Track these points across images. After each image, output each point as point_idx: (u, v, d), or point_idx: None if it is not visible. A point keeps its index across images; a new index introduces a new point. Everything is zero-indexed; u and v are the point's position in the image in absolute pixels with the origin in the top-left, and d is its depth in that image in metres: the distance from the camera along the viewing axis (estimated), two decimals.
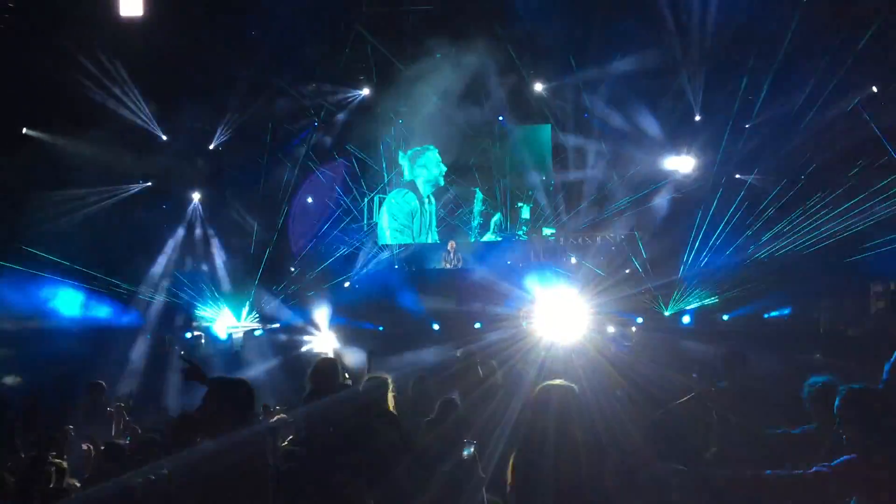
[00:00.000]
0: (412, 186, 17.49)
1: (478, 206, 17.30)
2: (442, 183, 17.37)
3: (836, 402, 3.62)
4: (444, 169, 17.32)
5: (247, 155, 16.25)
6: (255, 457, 4.15)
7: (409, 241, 17.29)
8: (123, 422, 8.00)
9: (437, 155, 17.33)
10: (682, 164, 15.55)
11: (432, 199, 17.46)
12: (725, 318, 14.79)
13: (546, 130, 16.99)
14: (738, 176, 14.56)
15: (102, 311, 14.61)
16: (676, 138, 15.51)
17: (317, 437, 5.00)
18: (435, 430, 6.02)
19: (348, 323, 14.97)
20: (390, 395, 5.95)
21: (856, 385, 3.64)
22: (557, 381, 4.00)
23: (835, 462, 3.51)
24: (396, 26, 14.99)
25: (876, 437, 3.45)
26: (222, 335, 15.38)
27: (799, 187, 13.59)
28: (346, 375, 6.52)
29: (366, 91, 16.40)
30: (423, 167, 17.41)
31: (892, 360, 4.04)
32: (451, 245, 16.78)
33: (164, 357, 14.19)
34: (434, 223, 17.36)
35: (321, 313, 14.99)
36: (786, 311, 14.40)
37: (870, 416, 3.51)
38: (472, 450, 5.10)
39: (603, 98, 15.35)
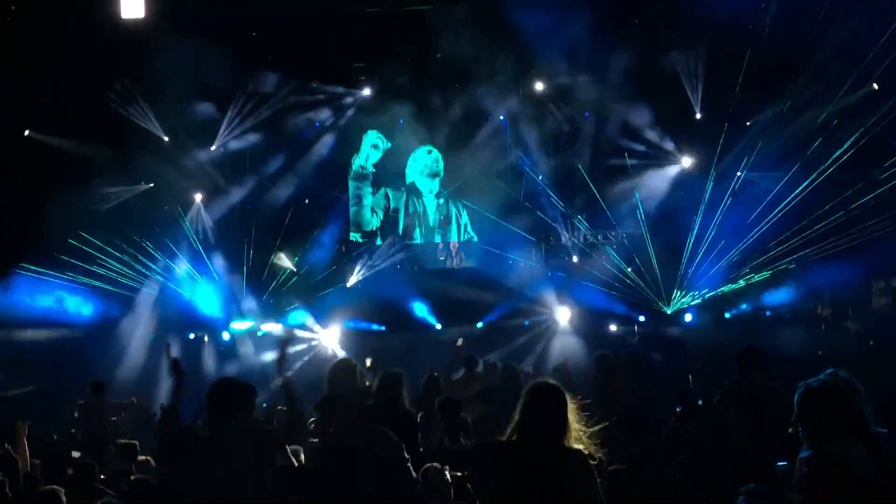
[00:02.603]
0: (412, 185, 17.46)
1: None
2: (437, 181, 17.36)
3: (795, 399, 3.47)
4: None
5: (250, 155, 16.26)
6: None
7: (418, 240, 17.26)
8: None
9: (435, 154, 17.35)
10: (684, 161, 15.53)
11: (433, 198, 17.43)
12: (727, 315, 14.83)
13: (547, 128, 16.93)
14: (739, 174, 14.54)
15: (104, 311, 14.65)
16: (677, 136, 15.50)
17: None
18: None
19: (353, 324, 15.03)
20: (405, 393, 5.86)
21: (813, 381, 3.47)
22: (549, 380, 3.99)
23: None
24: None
25: (827, 436, 3.30)
26: (224, 336, 15.40)
27: (801, 183, 13.57)
28: (366, 379, 6.39)
29: (367, 91, 16.36)
30: (424, 165, 17.40)
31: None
32: (452, 245, 16.77)
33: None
34: (436, 222, 17.34)
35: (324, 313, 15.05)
36: (788, 307, 14.45)
37: (823, 413, 3.35)
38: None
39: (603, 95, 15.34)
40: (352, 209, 17.27)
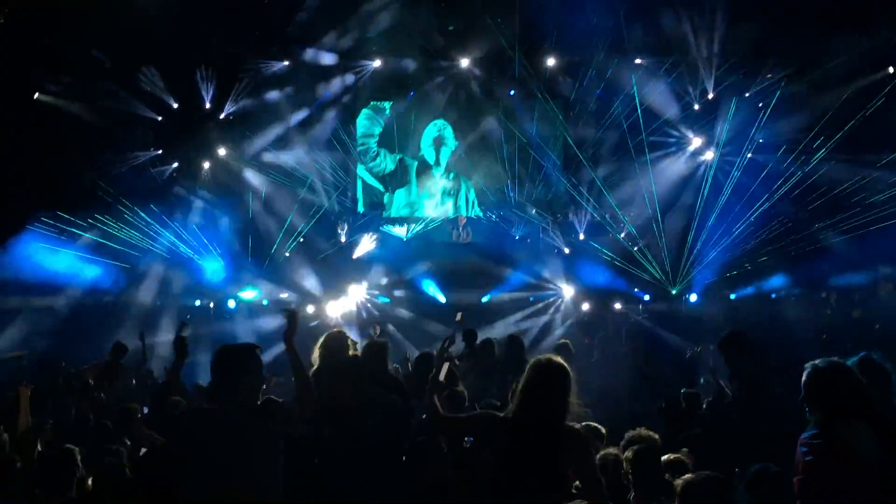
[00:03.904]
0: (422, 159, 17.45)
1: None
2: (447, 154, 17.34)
3: (803, 379, 3.47)
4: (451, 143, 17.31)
5: (259, 122, 16.21)
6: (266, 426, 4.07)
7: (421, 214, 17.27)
8: None
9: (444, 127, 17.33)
10: (694, 142, 15.45)
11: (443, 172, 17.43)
12: (732, 297, 14.80)
13: (559, 107, 16.83)
14: (749, 156, 14.46)
15: (110, 276, 14.69)
16: (689, 118, 15.40)
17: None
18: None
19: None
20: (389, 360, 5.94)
21: (820, 361, 3.47)
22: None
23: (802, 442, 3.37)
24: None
25: (833, 417, 3.31)
26: (230, 304, 15.44)
27: (810, 167, 13.48)
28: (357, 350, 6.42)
29: (377, 63, 16.27)
30: (433, 139, 17.38)
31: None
32: (461, 220, 16.75)
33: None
34: (444, 195, 17.34)
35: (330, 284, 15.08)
36: (794, 292, 14.41)
37: (829, 394, 3.36)
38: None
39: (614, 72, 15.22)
40: (359, 181, 17.29)
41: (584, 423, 4.13)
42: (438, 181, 17.33)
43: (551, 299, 15.22)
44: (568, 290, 15.03)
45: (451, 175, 17.31)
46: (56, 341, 12.64)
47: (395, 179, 17.41)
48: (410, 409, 5.27)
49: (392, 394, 5.13)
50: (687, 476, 3.91)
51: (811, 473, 3.29)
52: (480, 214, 17.10)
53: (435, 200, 17.28)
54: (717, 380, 6.27)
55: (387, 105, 17.23)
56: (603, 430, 4.94)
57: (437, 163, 17.36)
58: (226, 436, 3.91)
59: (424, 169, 17.37)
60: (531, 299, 15.32)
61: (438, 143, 17.34)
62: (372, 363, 5.50)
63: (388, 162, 17.34)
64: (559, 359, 3.93)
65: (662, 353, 11.03)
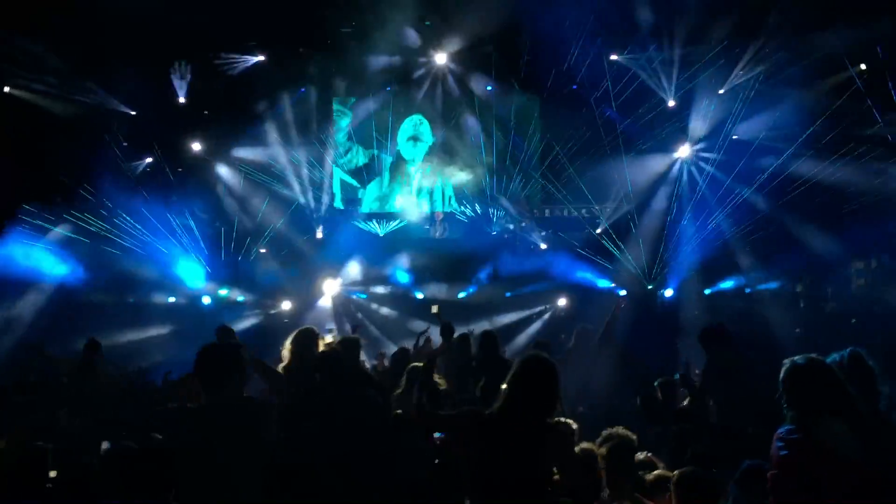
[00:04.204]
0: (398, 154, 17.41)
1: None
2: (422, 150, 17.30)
3: (781, 375, 3.48)
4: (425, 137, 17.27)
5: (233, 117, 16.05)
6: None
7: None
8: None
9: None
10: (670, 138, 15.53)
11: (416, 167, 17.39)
12: (707, 292, 14.90)
13: (535, 104, 16.85)
14: (723, 153, 14.54)
15: (83, 273, 14.48)
16: (665, 113, 15.47)
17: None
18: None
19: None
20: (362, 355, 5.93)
21: (799, 358, 3.47)
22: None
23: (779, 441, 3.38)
24: None
25: (810, 413, 3.33)
26: (205, 300, 15.29)
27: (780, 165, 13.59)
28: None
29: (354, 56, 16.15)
30: (411, 133, 17.35)
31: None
32: (437, 215, 16.72)
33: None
34: (420, 190, 17.31)
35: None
36: (771, 286, 14.53)
37: (807, 391, 3.37)
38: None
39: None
40: (336, 177, 17.19)
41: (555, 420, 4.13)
42: (414, 176, 17.28)
43: (528, 295, 15.22)
44: (545, 286, 15.03)
45: (428, 170, 17.27)
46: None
47: (369, 174, 17.33)
48: (388, 404, 5.26)
49: (366, 388, 5.11)
50: (683, 469, 3.92)
51: (784, 469, 3.31)
52: (458, 209, 17.07)
53: (411, 195, 17.23)
54: (688, 375, 6.31)
55: (351, 100, 17.13)
56: (574, 426, 4.94)
57: (414, 158, 17.32)
58: (214, 435, 3.91)
59: (401, 164, 17.31)
60: (507, 295, 15.32)
61: (415, 138, 17.30)
62: (344, 358, 5.47)
63: (360, 157, 17.25)
64: (546, 355, 3.92)
65: (640, 347, 11.05)
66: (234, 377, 4.09)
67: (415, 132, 17.29)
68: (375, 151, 17.20)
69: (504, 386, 3.83)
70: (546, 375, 3.77)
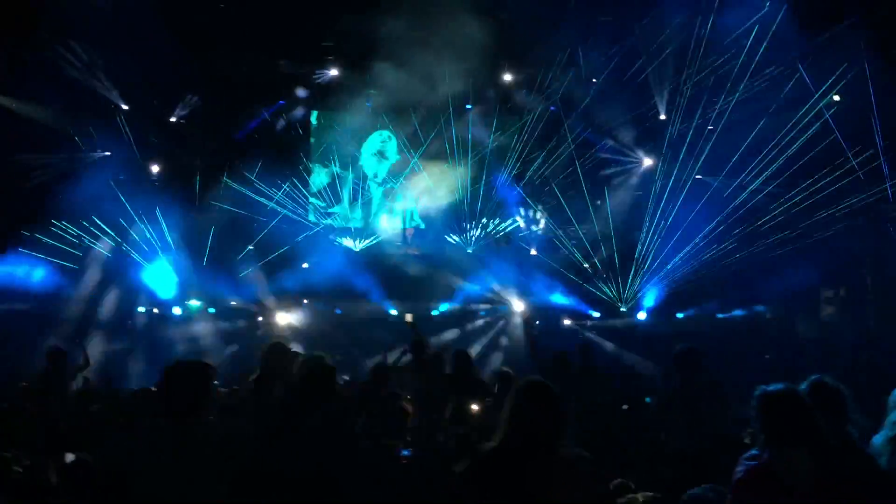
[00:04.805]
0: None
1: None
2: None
3: (752, 402, 3.45)
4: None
5: (210, 128, 15.96)
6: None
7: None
8: None
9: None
10: (645, 162, 15.65)
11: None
12: (679, 315, 15.02)
13: (513, 122, 16.88)
14: (699, 177, 14.66)
15: (51, 283, 14.27)
16: (640, 136, 15.60)
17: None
18: None
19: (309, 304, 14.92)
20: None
21: (771, 386, 3.44)
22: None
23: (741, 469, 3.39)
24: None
25: (775, 441, 3.33)
26: (176, 311, 15.14)
27: (757, 191, 13.71)
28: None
29: (334, 71, 16.13)
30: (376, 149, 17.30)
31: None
32: (408, 232, 16.69)
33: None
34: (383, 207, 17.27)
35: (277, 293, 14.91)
36: (738, 311, 14.68)
37: (774, 419, 3.35)
38: None
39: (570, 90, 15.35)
40: (312, 190, 17.08)
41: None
42: (377, 192, 17.22)
43: (501, 313, 15.26)
44: (517, 305, 15.08)
45: (390, 185, 17.23)
46: None
47: (332, 191, 17.24)
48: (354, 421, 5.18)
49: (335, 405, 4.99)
50: (691, 491, 3.83)
51: (740, 492, 3.34)
52: (422, 226, 17.02)
53: (373, 211, 17.16)
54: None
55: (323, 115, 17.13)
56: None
57: (377, 174, 17.27)
58: (182, 453, 3.68)
59: (362, 180, 17.25)
60: (482, 313, 15.34)
61: (381, 153, 17.23)
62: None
63: (322, 177, 17.17)
64: (542, 379, 3.70)
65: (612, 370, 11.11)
66: (205, 399, 3.83)
67: (381, 147, 17.21)
68: (336, 168, 17.13)
69: (505, 417, 3.58)
70: (550, 399, 3.54)
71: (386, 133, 17.14)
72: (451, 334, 14.03)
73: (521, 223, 16.60)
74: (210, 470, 3.70)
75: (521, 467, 3.41)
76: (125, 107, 15.09)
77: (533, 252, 16.23)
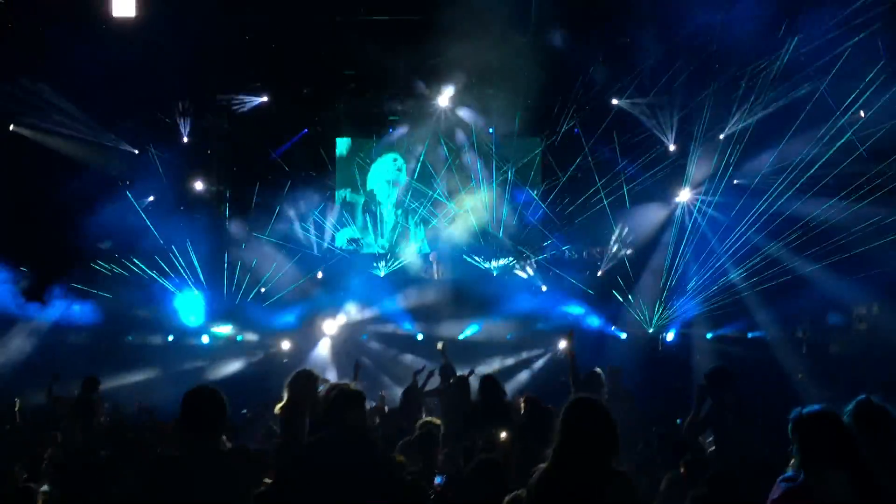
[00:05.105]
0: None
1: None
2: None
3: (790, 426, 3.39)
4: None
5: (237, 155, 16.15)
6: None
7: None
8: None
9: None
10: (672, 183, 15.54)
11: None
12: (709, 336, 14.83)
13: (535, 144, 16.88)
14: (722, 196, 14.54)
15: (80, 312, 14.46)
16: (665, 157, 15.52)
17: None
18: None
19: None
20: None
21: (809, 407, 3.38)
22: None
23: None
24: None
25: (812, 463, 3.27)
26: (204, 339, 15.24)
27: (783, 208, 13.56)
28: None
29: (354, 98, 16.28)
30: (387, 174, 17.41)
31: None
32: (432, 256, 16.69)
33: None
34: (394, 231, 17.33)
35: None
36: (770, 331, 14.44)
37: (811, 441, 3.29)
38: None
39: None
40: (336, 217, 17.18)
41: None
42: (388, 216, 17.28)
43: (528, 337, 15.15)
44: (545, 328, 14.96)
45: (400, 212, 17.28)
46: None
47: (353, 215, 17.33)
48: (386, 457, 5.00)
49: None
50: None
51: None
52: (428, 251, 17.02)
53: (385, 236, 17.21)
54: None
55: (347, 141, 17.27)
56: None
57: (388, 198, 17.35)
58: (199, 486, 3.67)
59: (372, 204, 17.34)
60: (508, 337, 15.26)
61: (393, 179, 17.32)
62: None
63: (347, 203, 17.29)
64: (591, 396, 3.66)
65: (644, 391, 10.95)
66: (220, 427, 3.86)
67: (393, 173, 17.30)
68: (348, 192, 17.19)
69: (557, 436, 3.48)
70: (601, 415, 3.45)
71: (400, 160, 17.25)
72: (479, 359, 13.91)
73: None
74: (230, 490, 3.74)
75: (576, 484, 3.34)
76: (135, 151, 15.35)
77: (559, 273, 16.11)
